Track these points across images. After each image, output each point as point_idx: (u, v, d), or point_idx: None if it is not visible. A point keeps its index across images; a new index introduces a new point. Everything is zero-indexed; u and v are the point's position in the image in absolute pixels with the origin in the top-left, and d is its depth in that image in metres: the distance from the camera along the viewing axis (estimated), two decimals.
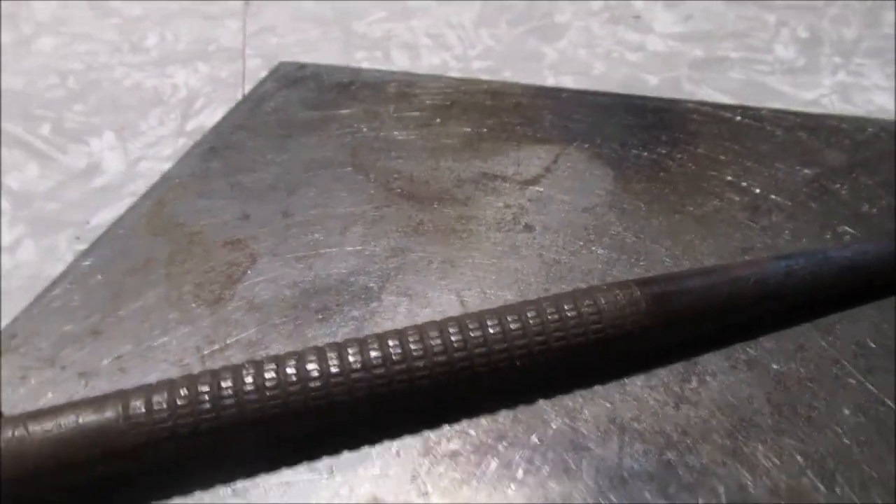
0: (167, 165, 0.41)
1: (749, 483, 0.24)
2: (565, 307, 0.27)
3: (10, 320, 0.30)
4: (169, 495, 0.24)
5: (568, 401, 0.27)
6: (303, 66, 0.48)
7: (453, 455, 0.25)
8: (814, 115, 0.40)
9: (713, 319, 0.28)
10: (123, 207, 0.38)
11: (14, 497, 0.23)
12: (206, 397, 0.24)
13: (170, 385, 0.24)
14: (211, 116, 0.46)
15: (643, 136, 0.40)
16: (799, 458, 0.25)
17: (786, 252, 0.30)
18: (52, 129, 0.45)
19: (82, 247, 0.36)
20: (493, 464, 0.25)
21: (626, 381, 0.27)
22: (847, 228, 0.33)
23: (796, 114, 0.41)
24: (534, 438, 0.26)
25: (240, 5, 0.60)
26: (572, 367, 0.27)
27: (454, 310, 0.30)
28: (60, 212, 0.38)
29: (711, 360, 0.28)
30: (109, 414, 0.23)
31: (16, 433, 0.23)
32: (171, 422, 0.23)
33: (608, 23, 0.54)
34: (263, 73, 0.49)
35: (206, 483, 0.24)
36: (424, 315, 0.30)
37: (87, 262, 0.33)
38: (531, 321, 0.26)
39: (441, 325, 0.26)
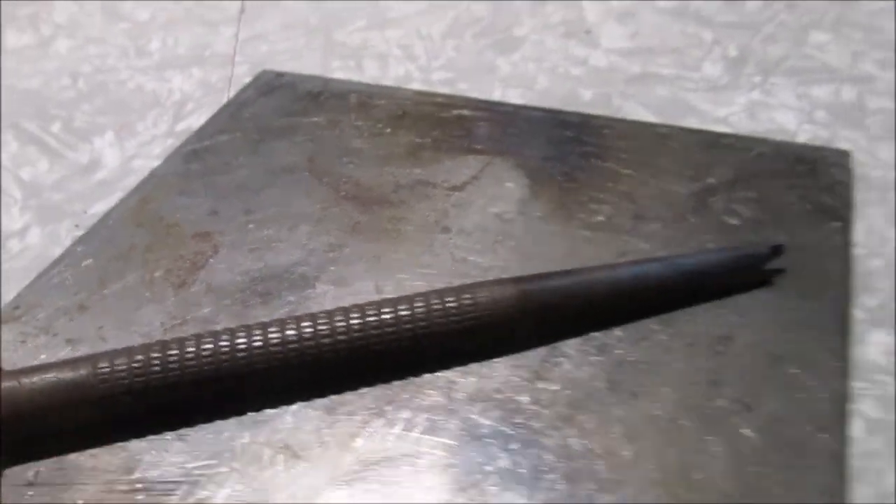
0: (156, 163, 0.48)
1: (573, 442, 0.31)
2: (447, 299, 0.33)
3: (14, 295, 0.38)
4: (126, 438, 0.31)
5: (447, 375, 0.34)
6: (281, 75, 0.55)
7: (349, 413, 0.32)
8: (712, 133, 0.46)
9: (573, 312, 0.35)
10: (115, 200, 0.45)
11: (10, 433, 0.30)
12: (157, 361, 0.31)
13: (129, 351, 0.31)
14: (198, 119, 0.52)
15: (561, 148, 0.46)
16: (617, 425, 0.31)
17: (643, 258, 0.36)
18: (62, 127, 0.53)
19: (79, 233, 0.43)
20: (380, 422, 0.32)
21: (496, 361, 0.34)
22: (711, 237, 0.39)
23: (698, 132, 0.46)
24: (415, 403, 0.33)
25: (236, 12, 0.67)
26: (452, 349, 0.34)
27: (372, 297, 0.37)
28: (63, 202, 0.46)
29: (569, 346, 0.35)
30: (82, 371, 0.31)
31: (11, 384, 0.30)
32: (129, 379, 0.31)
33: (561, 37, 0.60)
34: (248, 79, 0.55)
35: (156, 430, 0.32)
36: (346, 301, 0.37)
37: (80, 248, 0.41)
38: (417, 309, 0.33)
39: (346, 311, 0.33)
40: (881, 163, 0.45)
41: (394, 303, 0.33)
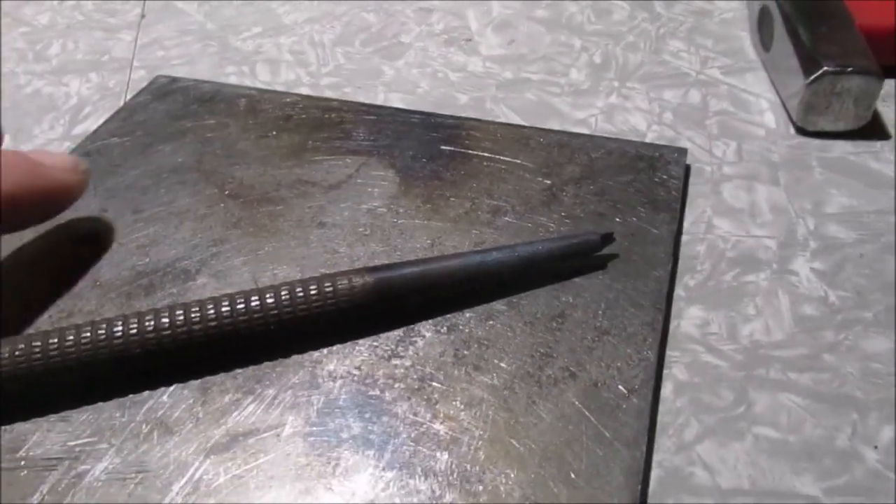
0: None
1: (420, 410, 0.35)
2: (310, 287, 0.37)
3: None
4: (12, 421, 0.34)
5: (314, 355, 0.37)
6: (175, 80, 0.57)
7: (222, 392, 0.36)
8: (567, 133, 0.51)
9: (425, 295, 0.39)
10: None
11: None
12: (38, 349, 0.34)
13: (13, 341, 0.34)
14: (94, 123, 0.55)
15: (431, 149, 0.50)
16: (460, 395, 0.35)
17: (485, 248, 0.41)
18: None
19: None
20: (249, 398, 0.36)
21: (358, 342, 0.38)
22: (556, 228, 0.44)
23: (555, 131, 0.51)
24: (282, 381, 0.36)
25: (136, 18, 0.69)
26: (316, 331, 0.37)
27: (247, 288, 0.40)
28: None
29: (424, 326, 0.39)
30: None
31: None
32: (12, 366, 0.34)
33: (444, 45, 0.64)
34: (145, 83, 0.58)
35: (40, 412, 0.35)
36: (224, 292, 0.40)
37: None
38: (282, 297, 0.37)
39: (216, 300, 0.36)
40: (716, 159, 0.51)
41: (261, 292, 0.37)
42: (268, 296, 0.37)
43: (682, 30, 0.64)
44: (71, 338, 0.34)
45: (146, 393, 0.36)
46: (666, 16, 0.66)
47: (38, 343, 0.34)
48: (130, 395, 0.36)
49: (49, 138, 0.54)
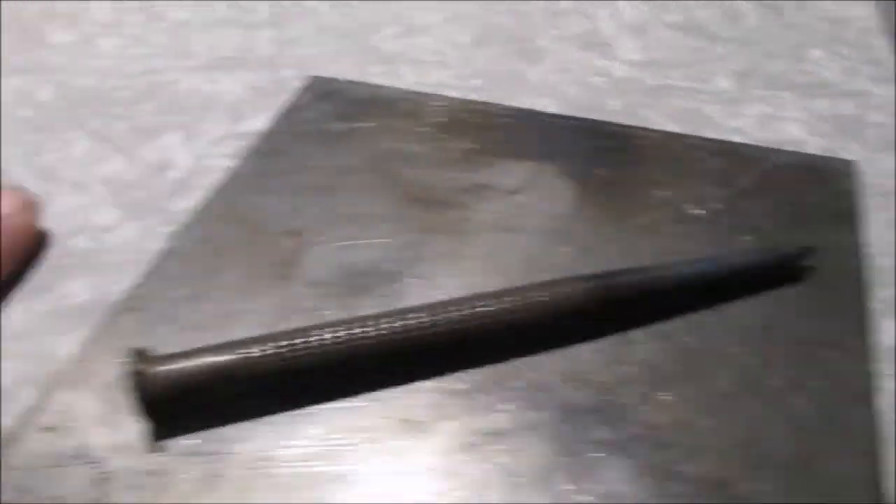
0: (226, 162, 0.51)
1: (654, 417, 0.36)
2: (540, 293, 0.38)
3: (127, 287, 0.41)
4: (272, 413, 0.36)
5: (536, 359, 0.39)
6: (331, 81, 0.58)
7: (463, 393, 0.37)
8: (732, 143, 0.52)
9: (641, 305, 0.40)
10: (195, 198, 0.48)
11: (173, 409, 0.34)
12: (300, 345, 0.35)
13: (273, 336, 0.35)
14: (255, 121, 0.56)
15: (602, 156, 0.51)
16: (691, 402, 0.37)
17: (695, 258, 0.42)
18: (127, 126, 0.56)
19: (170, 230, 0.46)
20: (488, 398, 0.37)
21: (581, 346, 0.39)
22: (747, 237, 0.45)
23: (721, 141, 0.52)
24: (516, 383, 0.38)
25: (267, 13, 0.70)
26: (541, 336, 0.39)
27: (456, 292, 0.42)
28: (147, 199, 0.49)
29: (638, 335, 0.40)
30: (232, 356, 0.35)
31: (173, 366, 0.34)
32: (275, 362, 0.35)
33: (582, 48, 0.65)
34: (296, 84, 0.59)
35: (298, 406, 0.36)
36: (433, 294, 0.41)
37: (177, 244, 0.44)
38: (507, 303, 0.38)
39: (459, 302, 0.37)
40: (882, 172, 0.52)
41: (493, 295, 0.38)
42: (507, 297, 0.38)
43: (820, 38, 0.65)
44: (328, 335, 0.35)
45: (392, 390, 0.37)
46: (801, 23, 0.67)
47: (301, 340, 0.35)
48: (377, 391, 0.37)
49: (217, 135, 0.55)
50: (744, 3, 0.71)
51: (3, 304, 0.42)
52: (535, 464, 0.34)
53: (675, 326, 0.40)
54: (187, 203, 0.48)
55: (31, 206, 0.44)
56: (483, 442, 0.35)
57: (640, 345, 0.39)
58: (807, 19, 0.69)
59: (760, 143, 0.54)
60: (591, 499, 0.33)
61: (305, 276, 0.43)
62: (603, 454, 0.35)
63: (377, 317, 0.36)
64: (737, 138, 0.54)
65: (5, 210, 0.42)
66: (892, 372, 0.39)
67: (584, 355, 0.39)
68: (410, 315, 0.37)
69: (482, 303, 0.38)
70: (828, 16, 0.69)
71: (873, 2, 0.68)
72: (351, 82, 0.58)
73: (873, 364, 0.39)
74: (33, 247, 0.44)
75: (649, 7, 0.70)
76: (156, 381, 0.34)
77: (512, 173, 0.50)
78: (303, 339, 0.35)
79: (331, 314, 0.40)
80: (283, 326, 0.37)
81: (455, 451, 0.35)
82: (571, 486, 0.34)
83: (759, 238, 0.45)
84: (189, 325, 0.40)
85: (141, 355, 0.34)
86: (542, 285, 0.39)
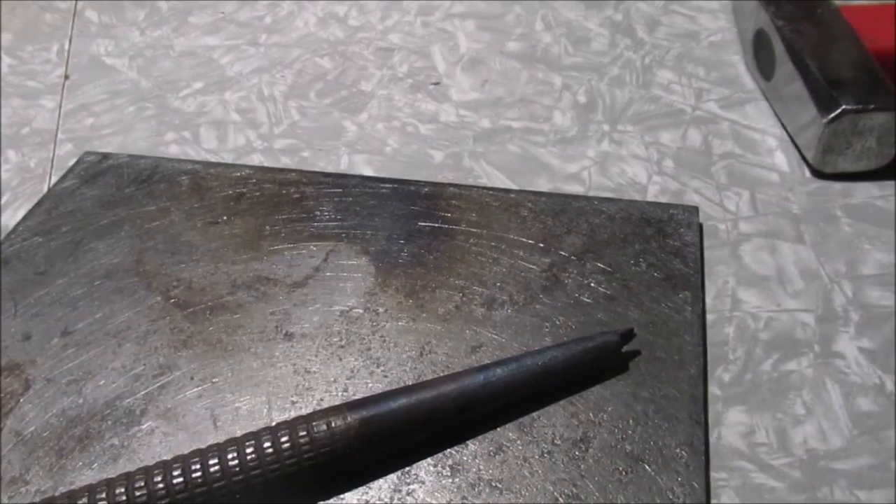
0: None
1: None
2: (281, 438, 0.30)
3: None
4: None
5: None
6: (105, 157, 0.50)
7: None
8: (562, 196, 0.45)
9: (420, 433, 0.32)
10: None
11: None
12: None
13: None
14: (14, 214, 0.47)
15: (408, 227, 0.43)
16: None
17: (485, 363, 0.34)
18: None
19: None
20: None
21: (344, 496, 0.31)
22: (565, 320, 0.38)
23: (548, 195, 0.45)
24: None
25: (59, 79, 0.61)
26: (292, 491, 0.31)
27: (207, 431, 0.34)
28: None
29: (422, 467, 0.32)
30: None
31: None
32: None
33: (410, 91, 0.57)
34: (72, 161, 0.51)
35: None
36: (179, 439, 0.33)
37: None
38: (248, 455, 0.30)
39: (165, 466, 0.29)
40: (729, 214, 0.45)
41: (221, 449, 0.30)
42: (230, 455, 0.30)
43: (670, 57, 0.58)
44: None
45: None
46: (650, 42, 0.60)
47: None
48: None
49: None
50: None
51: None
52: None
53: (468, 454, 0.33)
54: None
55: None
56: None
57: (423, 483, 0.32)
58: None
59: (599, 193, 0.47)
60: None
61: (16, 429, 0.34)
62: None
63: (92, 489, 0.28)
64: (575, 186, 0.47)
65: None
66: (731, 482, 0.32)
67: None
68: (100, 491, 0.28)
69: (207, 459, 0.29)
70: None
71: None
72: (130, 156, 0.50)
73: (704, 480, 0.31)
74: None
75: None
76: None
77: (300, 260, 0.42)
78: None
79: (39, 482, 0.32)
80: None
81: None
82: None
83: (581, 318, 0.38)
84: None
85: None
86: (288, 426, 0.31)
